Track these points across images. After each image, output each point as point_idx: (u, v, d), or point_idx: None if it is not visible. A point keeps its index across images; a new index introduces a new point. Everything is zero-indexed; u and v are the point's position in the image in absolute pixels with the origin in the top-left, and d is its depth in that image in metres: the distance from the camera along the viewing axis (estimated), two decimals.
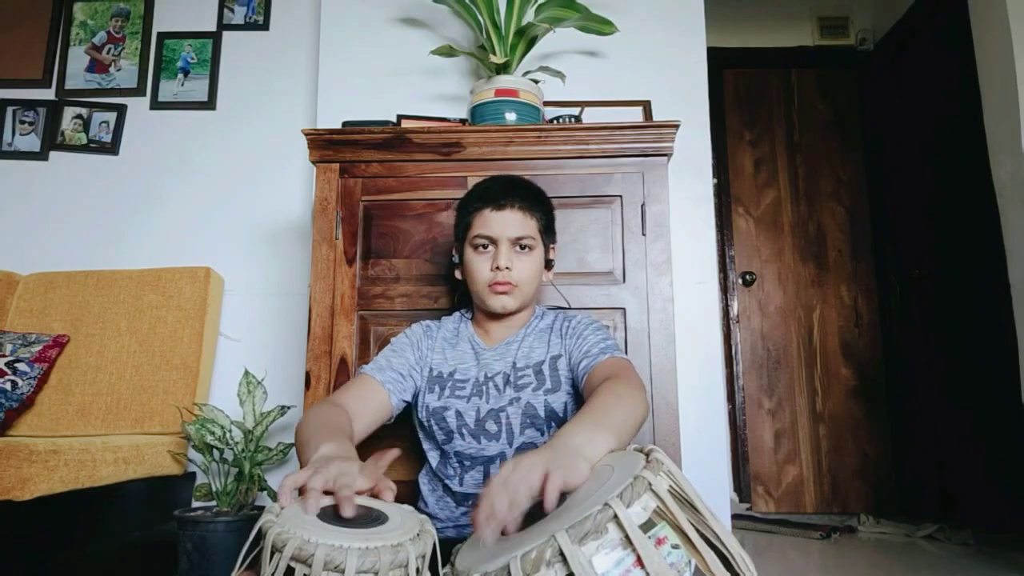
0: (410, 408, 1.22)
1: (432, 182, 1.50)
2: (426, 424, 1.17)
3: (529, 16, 1.70)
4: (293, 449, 1.80)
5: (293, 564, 0.63)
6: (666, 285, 1.43)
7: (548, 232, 1.22)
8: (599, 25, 1.69)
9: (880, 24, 3.16)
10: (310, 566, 0.62)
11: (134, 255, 2.16)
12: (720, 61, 3.04)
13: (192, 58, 2.30)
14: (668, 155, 1.48)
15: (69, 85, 2.33)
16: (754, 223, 3.12)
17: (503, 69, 1.65)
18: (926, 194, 2.82)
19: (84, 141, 2.28)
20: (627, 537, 0.60)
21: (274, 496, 1.70)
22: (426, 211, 1.50)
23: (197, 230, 2.19)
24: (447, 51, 1.70)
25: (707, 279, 1.87)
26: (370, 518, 0.72)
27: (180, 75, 2.30)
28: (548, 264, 1.25)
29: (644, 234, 1.45)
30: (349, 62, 2.01)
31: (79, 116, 2.30)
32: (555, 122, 1.63)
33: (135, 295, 1.98)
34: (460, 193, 1.47)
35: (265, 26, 2.31)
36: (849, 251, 3.09)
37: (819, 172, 3.14)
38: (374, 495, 0.77)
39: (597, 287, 1.45)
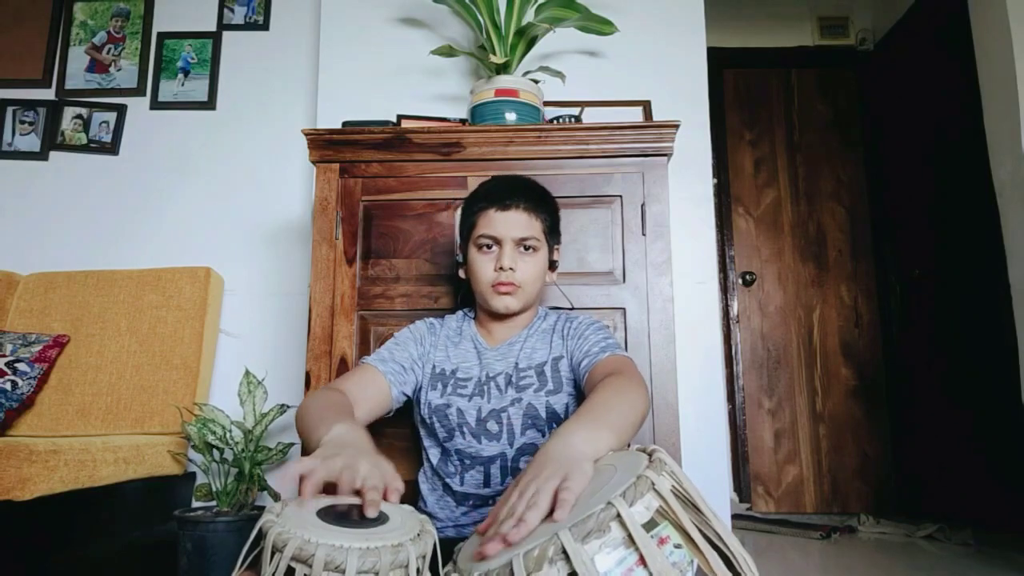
0: (410, 406, 1.22)
1: (432, 182, 1.50)
2: (428, 421, 1.17)
3: (529, 16, 1.70)
4: (293, 448, 1.80)
5: (293, 564, 0.63)
6: (666, 285, 1.43)
7: (553, 233, 1.22)
8: (599, 25, 1.69)
9: (880, 24, 3.16)
10: (310, 566, 0.62)
11: (134, 255, 2.16)
12: (720, 61, 3.04)
13: (192, 58, 2.30)
14: (668, 155, 1.48)
15: (69, 85, 2.33)
16: (754, 223, 3.12)
17: (503, 69, 1.65)
18: (926, 194, 2.82)
19: (84, 141, 2.28)
20: (630, 536, 0.61)
21: (275, 496, 1.71)
22: (426, 211, 1.50)
23: (197, 230, 2.19)
24: (447, 51, 1.70)
25: (707, 279, 1.87)
26: (371, 518, 0.72)
27: (180, 75, 2.30)
28: (552, 265, 1.24)
29: (644, 234, 1.45)
30: (349, 62, 2.01)
31: (79, 116, 2.29)
32: (555, 122, 1.63)
33: (135, 295, 1.98)
34: (460, 193, 1.48)
35: (265, 26, 2.31)
36: (849, 251, 3.09)
37: (819, 172, 3.14)
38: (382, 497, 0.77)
39: (597, 287, 1.45)
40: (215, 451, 1.67)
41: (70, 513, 1.45)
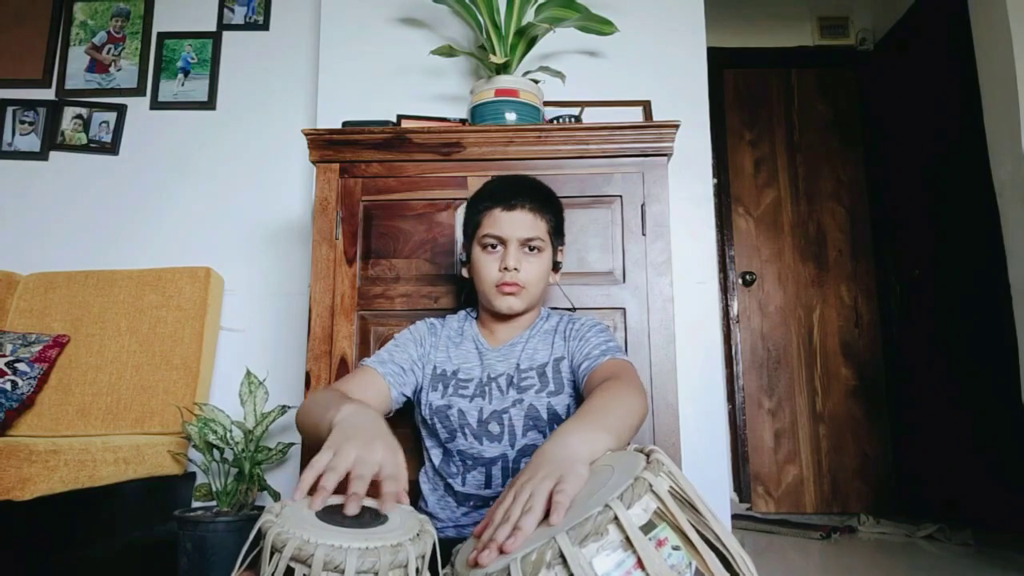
0: (410, 406, 1.22)
1: (432, 182, 1.50)
2: (429, 422, 1.17)
3: (529, 16, 1.70)
4: (293, 448, 1.80)
5: (293, 564, 0.63)
6: (666, 285, 1.43)
7: (557, 234, 1.22)
8: (599, 25, 1.69)
9: (880, 24, 3.16)
10: (310, 566, 0.62)
11: (134, 255, 2.16)
12: (720, 61, 3.04)
13: (192, 58, 2.30)
14: (668, 155, 1.48)
15: (69, 85, 2.33)
16: (754, 223, 3.12)
17: (503, 69, 1.65)
18: (926, 194, 2.82)
19: (84, 141, 2.28)
20: (627, 539, 0.60)
21: (275, 496, 1.71)
22: (426, 211, 1.50)
23: (197, 230, 2.19)
24: (447, 51, 1.70)
25: (707, 279, 1.87)
26: (370, 518, 0.72)
27: (180, 75, 2.30)
28: (555, 266, 1.24)
29: (644, 234, 1.45)
30: (349, 62, 2.01)
31: (79, 116, 2.29)
32: (555, 122, 1.63)
33: (135, 295, 1.98)
34: (460, 193, 1.48)
35: (265, 26, 2.31)
36: (849, 251, 3.09)
37: (819, 172, 3.14)
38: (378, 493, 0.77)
39: (597, 287, 1.45)
40: (215, 451, 1.67)
41: (70, 513, 1.45)
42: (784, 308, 3.06)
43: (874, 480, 2.91)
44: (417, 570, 0.67)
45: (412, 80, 1.99)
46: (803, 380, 3.00)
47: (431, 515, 1.15)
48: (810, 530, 2.49)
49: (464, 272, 1.25)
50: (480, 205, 1.18)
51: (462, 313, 1.29)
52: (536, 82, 1.65)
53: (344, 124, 1.64)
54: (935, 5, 2.70)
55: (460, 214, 1.48)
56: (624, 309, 1.43)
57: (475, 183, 1.46)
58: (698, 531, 0.63)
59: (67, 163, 2.28)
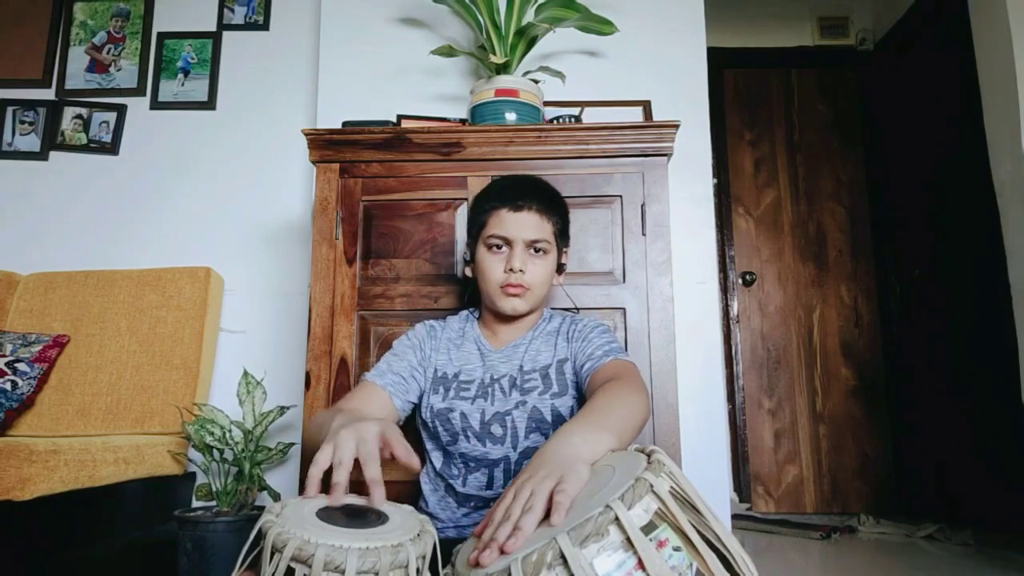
0: (414, 409, 1.22)
1: (432, 182, 1.50)
2: (431, 425, 1.16)
3: (529, 16, 1.70)
4: (293, 449, 1.80)
5: (293, 564, 0.63)
6: (666, 285, 1.43)
7: (563, 236, 1.22)
8: (599, 25, 1.68)
9: (880, 24, 3.16)
10: (310, 566, 0.62)
11: (134, 255, 2.16)
12: (720, 61, 3.04)
13: (192, 58, 2.30)
14: (668, 155, 1.48)
15: (69, 85, 2.33)
16: (754, 223, 3.12)
17: (503, 69, 1.65)
18: (926, 194, 2.82)
19: (84, 141, 2.28)
20: (628, 539, 0.60)
21: (275, 496, 1.71)
22: (426, 211, 1.50)
23: (197, 230, 2.19)
24: (447, 51, 1.70)
25: (707, 279, 1.87)
26: (370, 518, 0.72)
27: (180, 75, 2.30)
28: (560, 268, 1.24)
29: (644, 234, 1.45)
30: (349, 62, 2.01)
31: (79, 116, 2.29)
32: (555, 122, 1.63)
33: (135, 295, 1.98)
34: (460, 193, 1.48)
35: (265, 26, 2.31)
36: (849, 251, 3.09)
37: (819, 172, 3.14)
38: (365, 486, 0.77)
39: (597, 287, 1.45)
40: (215, 451, 1.67)
41: (70, 513, 1.45)
42: (784, 308, 3.06)
43: (874, 480, 2.91)
44: (418, 570, 0.67)
45: (412, 80, 1.99)
46: (803, 380, 3.00)
47: (432, 515, 1.14)
48: (810, 530, 2.49)
49: (468, 272, 1.24)
50: (486, 205, 1.18)
51: (464, 314, 1.28)
52: (536, 82, 1.65)
53: (344, 124, 1.64)
54: (935, 5, 2.70)
55: (461, 214, 1.48)
56: (624, 309, 1.43)
57: (475, 183, 1.46)
58: (699, 532, 0.63)
59: (67, 163, 2.27)
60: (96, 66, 2.34)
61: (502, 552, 0.63)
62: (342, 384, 1.40)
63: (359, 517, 0.72)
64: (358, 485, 0.76)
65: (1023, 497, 2.26)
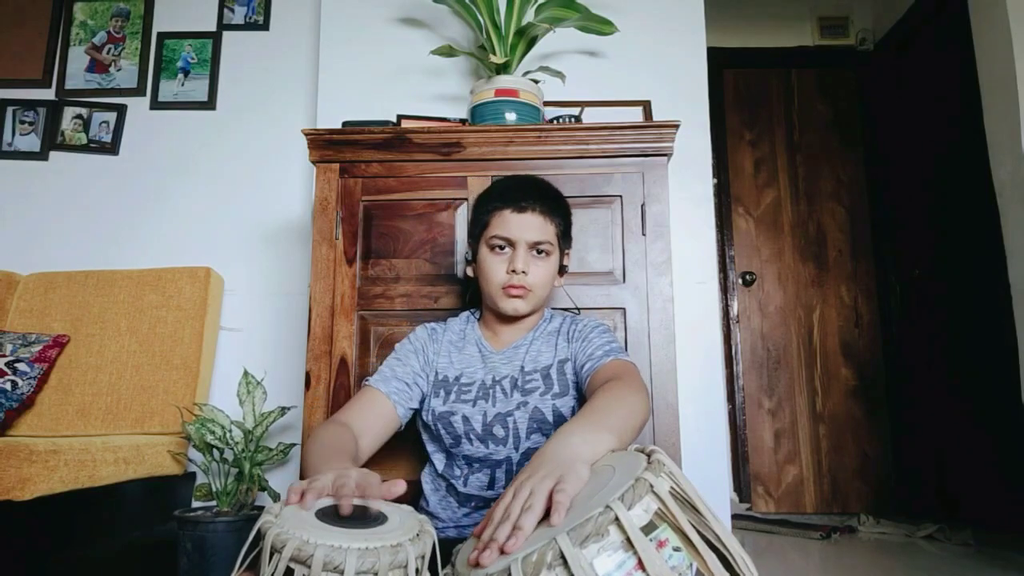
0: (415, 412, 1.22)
1: (432, 182, 1.50)
2: (433, 428, 1.16)
3: (529, 16, 1.70)
4: (293, 449, 1.80)
5: (292, 565, 0.63)
6: (666, 285, 1.43)
7: (565, 237, 1.22)
8: (599, 25, 1.68)
9: (880, 24, 3.16)
10: (309, 567, 0.62)
11: (134, 255, 2.16)
12: (720, 61, 3.04)
13: (192, 58, 2.30)
14: (668, 155, 1.48)
15: (69, 85, 2.33)
16: (754, 223, 3.12)
17: (503, 69, 1.65)
18: (926, 194, 2.82)
19: (84, 141, 2.28)
20: (628, 540, 0.60)
21: (275, 496, 1.71)
22: (426, 211, 1.50)
23: (197, 230, 2.19)
24: (447, 51, 1.70)
25: (707, 279, 1.87)
26: (369, 518, 0.72)
27: (180, 75, 2.30)
28: (561, 270, 1.24)
29: (644, 234, 1.45)
30: (349, 62, 2.01)
31: (79, 116, 2.29)
32: (555, 122, 1.63)
33: (135, 295, 1.98)
34: (460, 193, 1.48)
35: (265, 26, 2.31)
36: (849, 251, 3.09)
37: (819, 172, 3.14)
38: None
39: (597, 287, 1.45)
40: (215, 451, 1.67)
41: (70, 513, 1.45)
42: (784, 308, 3.06)
43: (874, 480, 2.91)
44: (417, 570, 0.67)
45: (412, 80, 1.99)
46: (803, 380, 3.00)
47: (432, 515, 1.14)
48: (810, 530, 2.49)
49: (469, 271, 1.24)
50: (489, 205, 1.17)
51: (464, 315, 1.28)
52: (536, 82, 1.65)
53: (344, 124, 1.64)
54: (935, 5, 2.70)
55: (461, 214, 1.48)
56: (624, 309, 1.43)
57: (475, 183, 1.46)
58: (699, 532, 0.63)
59: (67, 163, 2.27)
60: (96, 66, 2.34)
61: (502, 552, 0.63)
62: (342, 384, 1.41)
63: (358, 517, 0.72)
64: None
65: (1023, 497, 2.26)
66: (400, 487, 0.77)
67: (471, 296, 1.37)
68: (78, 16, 2.38)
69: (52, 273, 2.06)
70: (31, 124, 2.30)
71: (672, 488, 0.64)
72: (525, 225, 1.14)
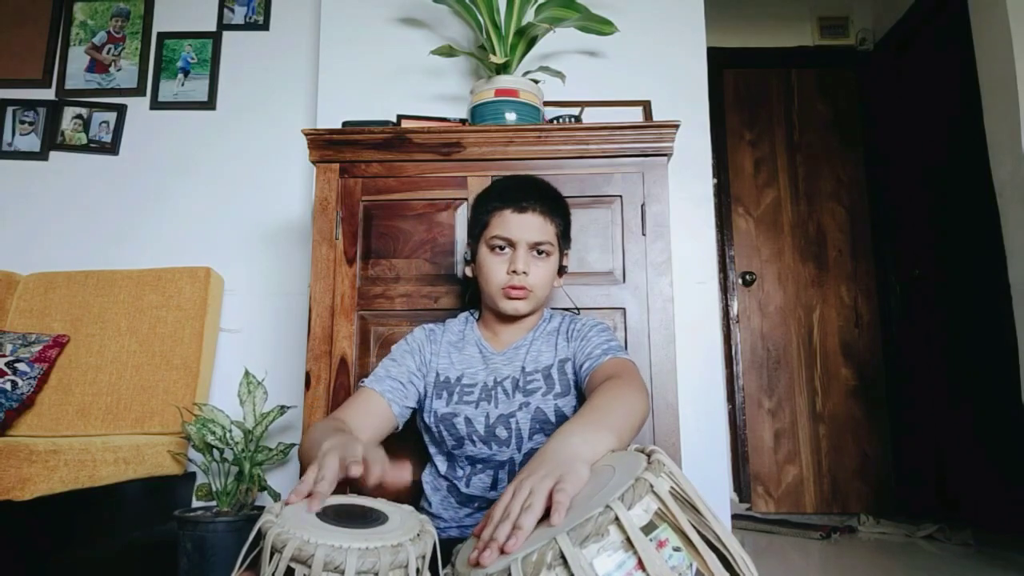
0: (415, 413, 1.22)
1: (432, 182, 1.50)
2: (435, 430, 1.15)
3: (529, 16, 1.70)
4: (293, 449, 1.80)
5: (293, 565, 0.63)
6: (666, 285, 1.43)
7: (565, 238, 1.21)
8: (599, 25, 1.68)
9: (880, 24, 3.16)
10: (310, 567, 0.62)
11: (134, 255, 2.16)
12: (720, 61, 3.04)
13: (192, 58, 2.30)
14: (668, 155, 1.48)
15: (69, 85, 2.33)
16: (754, 223, 3.12)
17: (503, 69, 1.65)
18: (926, 194, 2.82)
19: (84, 141, 2.28)
20: (628, 540, 0.60)
21: (275, 496, 1.71)
22: (426, 211, 1.50)
23: (197, 230, 2.19)
24: (447, 51, 1.70)
25: (707, 279, 1.87)
26: (370, 518, 0.72)
27: (180, 75, 2.30)
28: (561, 270, 1.23)
29: (644, 234, 1.45)
30: (349, 62, 2.01)
31: (79, 116, 2.29)
32: (555, 122, 1.63)
33: (135, 295, 1.98)
34: (460, 193, 1.48)
35: (265, 26, 2.31)
36: (849, 251, 3.09)
37: (819, 172, 3.14)
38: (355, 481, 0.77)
39: (597, 287, 1.45)
40: (215, 451, 1.67)
41: (70, 513, 1.45)
42: (784, 308, 3.06)
43: (874, 480, 2.91)
44: (417, 570, 0.67)
45: (412, 80, 1.99)
46: (803, 380, 3.00)
47: (433, 515, 1.14)
48: (810, 530, 2.49)
49: (468, 271, 1.24)
50: (489, 205, 1.17)
51: (463, 316, 1.28)
52: (536, 82, 1.65)
53: (344, 124, 1.64)
54: (935, 5, 2.70)
55: (461, 214, 1.48)
56: (624, 309, 1.43)
57: (475, 183, 1.46)
58: (699, 532, 0.63)
59: (67, 163, 2.27)
60: (96, 66, 2.34)
61: (502, 552, 0.63)
62: (342, 384, 1.41)
63: (359, 517, 0.72)
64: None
65: (1023, 497, 2.26)
66: (406, 472, 0.77)
67: (470, 296, 1.37)
68: (78, 16, 2.38)
69: (52, 273, 2.06)
70: (31, 124, 2.30)
71: (672, 488, 0.64)
72: (525, 225, 1.14)
